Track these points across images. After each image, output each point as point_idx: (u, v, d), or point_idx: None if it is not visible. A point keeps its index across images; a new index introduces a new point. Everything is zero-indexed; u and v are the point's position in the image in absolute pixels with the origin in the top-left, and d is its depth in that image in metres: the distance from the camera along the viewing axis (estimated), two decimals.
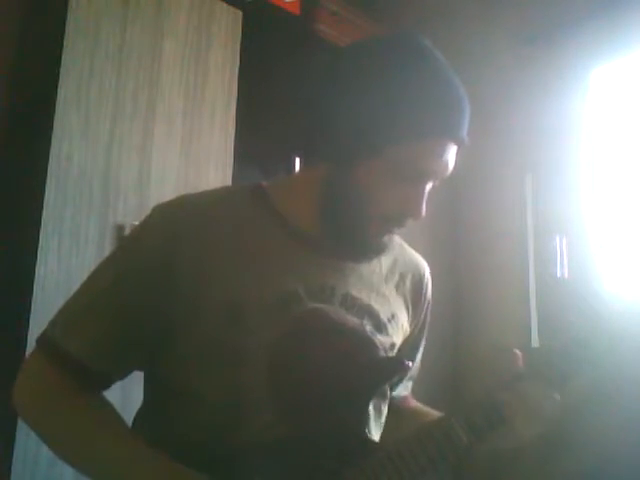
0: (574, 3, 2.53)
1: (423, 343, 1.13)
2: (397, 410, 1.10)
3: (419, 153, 0.85)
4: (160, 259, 0.87)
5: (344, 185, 0.88)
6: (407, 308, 1.03)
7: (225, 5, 2.25)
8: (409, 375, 1.13)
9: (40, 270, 1.73)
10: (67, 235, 1.79)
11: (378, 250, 0.95)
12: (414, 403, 1.16)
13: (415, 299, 1.06)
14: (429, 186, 0.90)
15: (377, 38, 0.96)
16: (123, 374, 0.91)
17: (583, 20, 2.47)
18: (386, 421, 1.02)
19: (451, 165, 0.89)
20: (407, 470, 0.84)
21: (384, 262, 1.02)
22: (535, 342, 2.50)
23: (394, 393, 1.10)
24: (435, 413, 1.06)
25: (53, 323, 0.89)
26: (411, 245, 1.12)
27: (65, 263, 1.77)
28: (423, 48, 0.89)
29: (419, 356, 1.14)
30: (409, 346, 1.07)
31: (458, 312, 2.80)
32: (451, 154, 0.88)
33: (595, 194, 2.51)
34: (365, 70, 0.88)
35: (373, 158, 0.86)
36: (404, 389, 1.14)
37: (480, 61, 2.79)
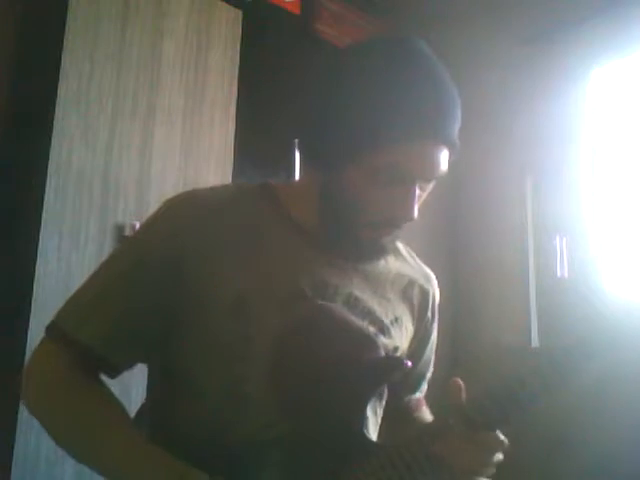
0: (574, 3, 2.53)
1: (433, 340, 1.10)
2: (405, 415, 1.08)
3: (401, 157, 0.84)
4: (169, 252, 0.88)
5: (336, 191, 0.88)
6: (412, 313, 1.03)
7: (225, 5, 2.25)
8: (423, 375, 1.11)
9: (40, 270, 1.73)
10: (67, 235, 1.80)
11: (380, 252, 0.95)
12: (423, 410, 1.11)
13: (422, 308, 1.05)
14: (420, 187, 0.89)
15: (365, 43, 0.94)
16: (132, 362, 0.91)
17: (583, 20, 2.47)
18: (392, 425, 1.00)
19: (440, 166, 0.87)
20: (406, 470, 0.84)
21: (392, 266, 1.01)
22: (535, 342, 2.51)
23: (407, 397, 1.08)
24: None
25: (63, 312, 0.90)
26: (411, 246, 1.11)
27: (65, 263, 1.78)
28: (410, 51, 0.87)
29: (429, 354, 1.10)
30: (416, 345, 1.05)
31: (458, 312, 2.80)
32: (440, 156, 0.86)
33: (595, 194, 2.51)
34: (346, 75, 0.88)
35: (358, 164, 0.85)
36: (418, 391, 1.11)
37: (480, 61, 2.79)
